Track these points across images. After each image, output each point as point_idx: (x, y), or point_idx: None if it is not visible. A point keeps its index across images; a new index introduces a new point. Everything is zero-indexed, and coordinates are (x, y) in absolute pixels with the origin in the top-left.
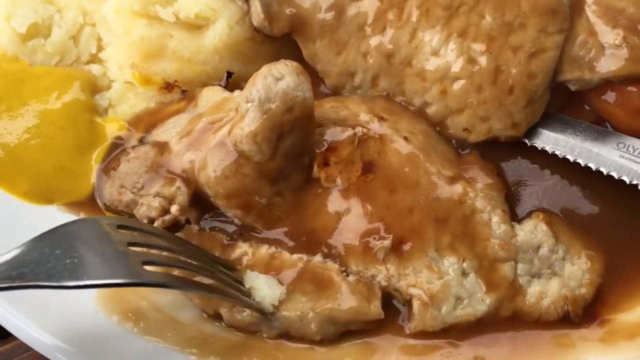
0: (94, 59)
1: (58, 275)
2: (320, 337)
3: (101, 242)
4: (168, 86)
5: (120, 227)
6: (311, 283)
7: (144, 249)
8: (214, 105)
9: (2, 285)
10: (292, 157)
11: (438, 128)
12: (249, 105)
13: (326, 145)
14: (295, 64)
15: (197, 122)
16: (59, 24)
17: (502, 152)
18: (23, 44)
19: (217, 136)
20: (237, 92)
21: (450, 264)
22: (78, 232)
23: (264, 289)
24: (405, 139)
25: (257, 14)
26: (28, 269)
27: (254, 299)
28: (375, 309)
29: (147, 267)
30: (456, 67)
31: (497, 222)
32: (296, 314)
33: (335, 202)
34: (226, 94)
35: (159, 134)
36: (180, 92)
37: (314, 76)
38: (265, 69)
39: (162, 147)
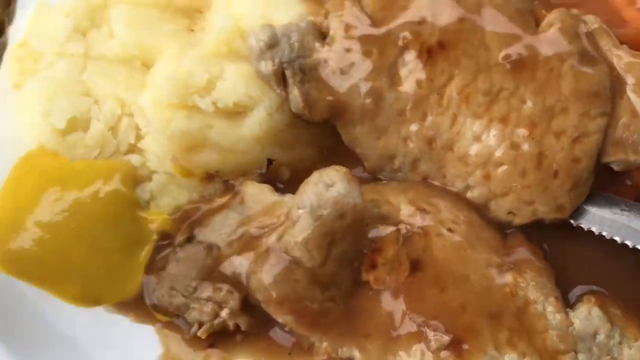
0: (132, 149)
1: None
2: None
3: None
4: (209, 177)
5: None
6: None
7: None
8: (264, 209)
9: None
10: (344, 262)
11: (481, 211)
12: (300, 212)
13: (372, 247)
14: (345, 169)
15: (247, 225)
16: (97, 116)
17: (547, 233)
18: (62, 138)
19: (268, 241)
20: (287, 197)
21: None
22: None
23: None
24: (450, 230)
25: (296, 101)
26: None
27: None
28: None
29: None
30: (499, 153)
31: (551, 312)
32: None
33: (386, 304)
34: (275, 197)
35: (207, 234)
36: (222, 182)
37: (350, 159)
38: (315, 175)
39: (212, 249)
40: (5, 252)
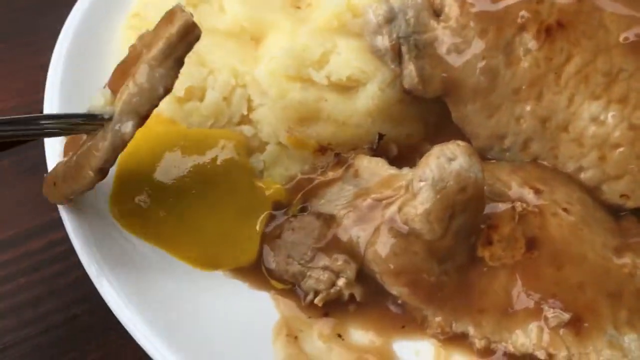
0: (244, 120)
1: None
2: None
3: None
4: (321, 149)
5: None
6: None
7: None
8: (381, 181)
9: None
10: (462, 236)
11: (593, 193)
12: (422, 184)
13: (488, 223)
14: (466, 144)
15: (364, 197)
16: (212, 86)
17: None
18: (180, 107)
19: (387, 213)
20: (405, 170)
21: (631, 340)
22: None
23: None
24: (565, 210)
25: (411, 77)
26: None
27: None
28: None
29: None
30: (616, 134)
31: None
32: None
33: (502, 281)
34: (392, 170)
35: (322, 205)
36: (333, 154)
37: (456, 137)
38: (437, 149)
39: (328, 220)
40: (128, 210)
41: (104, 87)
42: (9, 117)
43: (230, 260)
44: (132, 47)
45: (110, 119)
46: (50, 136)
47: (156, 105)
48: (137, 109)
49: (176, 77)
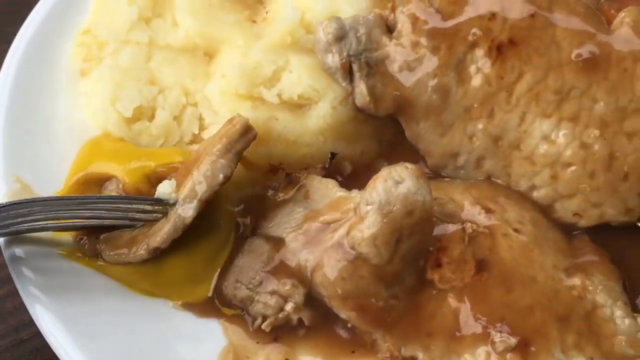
0: (196, 139)
1: None
2: None
3: None
4: (273, 169)
5: None
6: None
7: None
8: (330, 203)
9: None
10: (410, 259)
11: (545, 212)
12: (368, 207)
13: (437, 245)
14: (414, 167)
15: (313, 220)
16: (162, 105)
17: (613, 236)
18: (128, 127)
19: (335, 237)
20: (354, 192)
21: None
22: None
23: None
24: (516, 230)
25: (362, 95)
26: None
27: None
28: None
29: None
30: (568, 153)
31: (620, 317)
32: None
33: (451, 304)
34: (342, 192)
35: (272, 228)
36: (285, 174)
37: (411, 154)
38: (385, 172)
39: (277, 243)
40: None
41: (170, 179)
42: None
43: (184, 294)
44: (195, 152)
45: (174, 204)
46: (124, 226)
47: (215, 191)
48: (199, 194)
49: (234, 168)
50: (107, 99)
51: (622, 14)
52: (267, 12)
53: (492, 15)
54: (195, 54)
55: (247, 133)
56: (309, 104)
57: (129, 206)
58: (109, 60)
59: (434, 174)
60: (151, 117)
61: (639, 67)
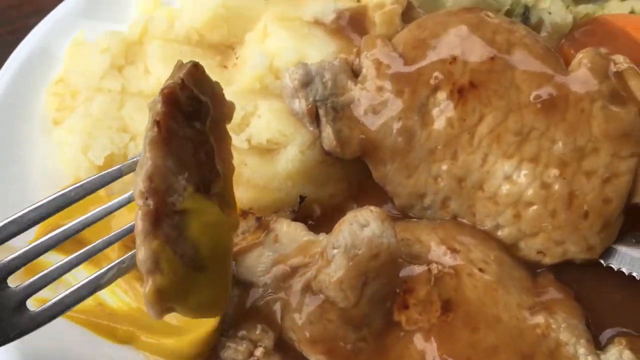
0: None
1: None
2: None
3: None
4: (243, 214)
5: None
6: None
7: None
8: (298, 247)
9: None
10: (377, 302)
11: (511, 251)
12: (335, 251)
13: (404, 287)
14: (379, 210)
15: (282, 264)
16: (134, 152)
17: (577, 273)
18: None
19: (303, 281)
20: (322, 236)
21: None
22: None
23: None
24: (481, 270)
25: (329, 139)
26: None
27: None
28: None
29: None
30: (529, 192)
31: (583, 354)
32: None
33: (418, 345)
34: (310, 235)
35: (242, 272)
36: (255, 219)
37: (379, 196)
38: (350, 215)
39: (247, 287)
40: None
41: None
42: None
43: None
44: None
45: None
46: None
47: None
48: None
49: None
50: (79, 148)
51: (579, 55)
52: (237, 58)
53: (453, 59)
54: None
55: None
56: (277, 148)
57: None
58: (81, 108)
59: (402, 215)
60: None
61: (596, 108)
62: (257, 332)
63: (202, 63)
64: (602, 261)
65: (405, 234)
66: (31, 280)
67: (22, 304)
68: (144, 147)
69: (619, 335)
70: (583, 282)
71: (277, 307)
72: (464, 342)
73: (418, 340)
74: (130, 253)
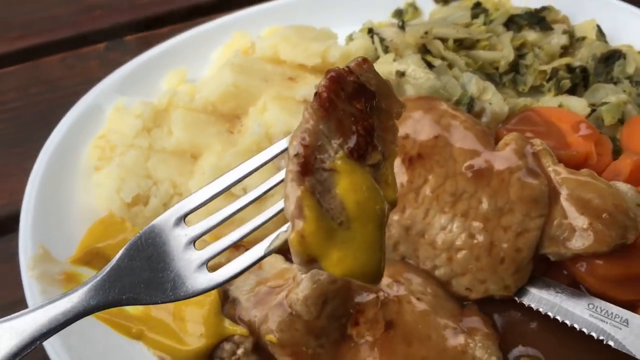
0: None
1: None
2: None
3: (172, 255)
4: (237, 246)
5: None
6: None
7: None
8: (277, 273)
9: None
10: (334, 318)
11: (445, 286)
12: (303, 276)
13: (357, 308)
14: None
15: (263, 285)
16: (155, 194)
17: (496, 306)
18: (128, 210)
19: (278, 298)
20: (295, 264)
21: None
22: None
23: None
24: (418, 299)
25: None
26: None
27: None
28: None
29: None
30: (459, 240)
31: None
32: None
33: (364, 355)
34: (286, 264)
35: (232, 290)
36: (244, 249)
37: None
38: None
39: (234, 302)
40: None
41: None
42: None
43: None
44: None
45: None
46: None
47: None
48: None
49: None
50: (113, 189)
51: (506, 137)
52: (241, 126)
53: (407, 136)
54: (184, 156)
55: None
56: (267, 197)
57: None
58: (117, 159)
59: None
60: (146, 203)
61: (514, 178)
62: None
63: (214, 128)
64: (516, 298)
65: None
66: (211, 245)
67: (202, 265)
68: (303, 112)
69: (524, 356)
70: (500, 314)
71: (257, 318)
72: (401, 354)
73: (365, 351)
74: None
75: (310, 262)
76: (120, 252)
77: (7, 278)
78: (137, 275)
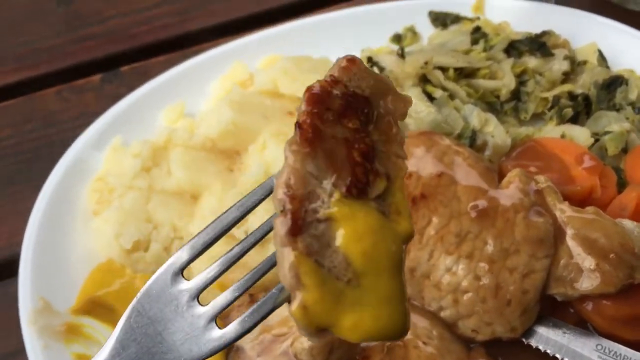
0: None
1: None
2: None
3: (175, 315)
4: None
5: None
6: None
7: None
8: (281, 320)
9: None
10: None
11: (451, 328)
12: None
13: (362, 354)
14: None
15: (267, 333)
16: (155, 239)
17: (503, 348)
18: (128, 256)
19: (282, 346)
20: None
21: None
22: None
23: None
24: (425, 343)
25: None
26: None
27: None
28: None
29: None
30: (465, 282)
31: None
32: None
33: None
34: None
35: None
36: (248, 295)
37: None
38: None
39: (239, 350)
40: None
41: None
42: None
43: None
44: None
45: None
46: None
47: None
48: None
49: None
50: (112, 235)
51: (510, 174)
52: (241, 164)
53: (410, 175)
54: (184, 196)
55: None
56: (268, 240)
57: None
58: (116, 202)
59: None
60: (146, 249)
61: (518, 217)
62: None
63: (213, 167)
64: (523, 339)
65: None
66: (217, 299)
67: (211, 322)
68: (284, 151)
69: None
70: (507, 356)
71: None
72: None
73: None
74: None
75: (321, 332)
76: (118, 326)
77: (6, 326)
78: (143, 346)
